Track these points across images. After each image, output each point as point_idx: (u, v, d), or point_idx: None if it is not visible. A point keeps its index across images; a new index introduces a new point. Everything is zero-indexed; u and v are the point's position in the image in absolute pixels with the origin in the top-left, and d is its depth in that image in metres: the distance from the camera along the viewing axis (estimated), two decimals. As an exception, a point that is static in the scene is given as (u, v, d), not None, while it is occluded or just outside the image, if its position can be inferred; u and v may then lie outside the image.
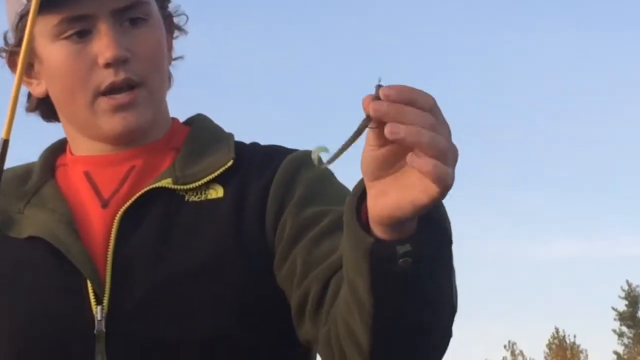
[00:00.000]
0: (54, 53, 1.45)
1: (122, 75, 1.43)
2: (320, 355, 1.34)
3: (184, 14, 1.57)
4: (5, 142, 1.32)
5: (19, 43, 1.47)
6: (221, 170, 1.45)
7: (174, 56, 1.57)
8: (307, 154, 1.48)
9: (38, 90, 1.51)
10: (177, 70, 1.58)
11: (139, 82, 1.45)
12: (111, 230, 1.42)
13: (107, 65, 1.43)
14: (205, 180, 1.44)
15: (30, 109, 1.55)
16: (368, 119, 1.04)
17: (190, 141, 1.52)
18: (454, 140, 1.05)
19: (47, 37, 1.45)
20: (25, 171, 1.55)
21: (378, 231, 1.10)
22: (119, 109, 1.44)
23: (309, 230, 1.36)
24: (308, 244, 1.34)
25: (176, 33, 1.57)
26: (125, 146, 1.49)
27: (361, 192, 1.12)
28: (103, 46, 1.43)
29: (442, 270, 1.16)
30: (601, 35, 71.97)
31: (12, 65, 1.51)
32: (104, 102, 1.44)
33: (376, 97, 1.03)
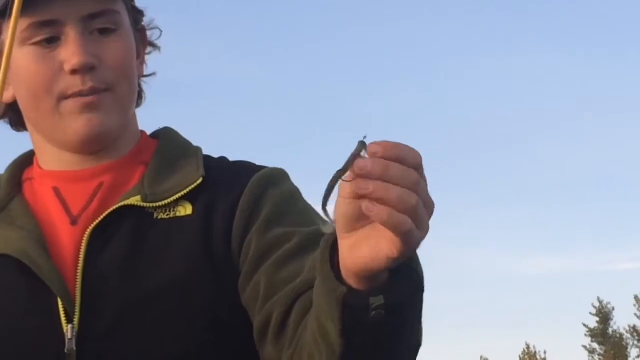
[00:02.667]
0: (21, 58, 1.44)
1: (89, 84, 1.42)
2: None
3: (158, 28, 1.56)
4: None
5: None
6: (189, 188, 1.44)
7: (146, 72, 1.56)
8: (275, 171, 1.48)
9: (6, 95, 1.48)
10: (148, 86, 1.57)
11: (105, 88, 1.43)
12: (81, 248, 1.40)
13: (74, 71, 1.42)
14: (174, 198, 1.43)
15: None
16: (342, 172, 1.03)
17: (158, 156, 1.50)
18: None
19: (15, 41, 1.41)
20: None
21: (351, 281, 1.10)
22: (84, 109, 1.43)
23: (273, 252, 1.35)
24: (272, 267, 1.34)
25: (149, 49, 1.56)
26: (92, 157, 1.48)
27: (334, 240, 1.11)
28: (70, 53, 1.42)
29: (413, 318, 1.16)
30: (582, 56, 72.48)
31: None
32: (70, 104, 1.43)
33: (357, 153, 1.01)
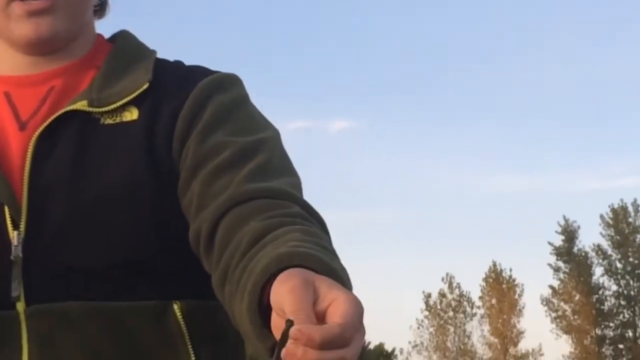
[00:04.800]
0: None
1: None
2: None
3: None
4: None
5: None
6: (136, 93, 1.42)
7: None
8: (226, 76, 1.47)
9: None
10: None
11: None
12: (27, 155, 1.38)
13: None
14: (120, 103, 1.42)
15: None
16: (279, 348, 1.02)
17: (110, 60, 1.49)
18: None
19: None
20: None
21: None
22: (32, 14, 1.42)
23: (208, 162, 1.35)
24: (206, 177, 1.34)
25: None
26: (45, 60, 1.47)
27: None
28: None
29: None
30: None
31: None
32: (18, 7, 1.42)
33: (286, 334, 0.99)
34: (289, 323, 0.99)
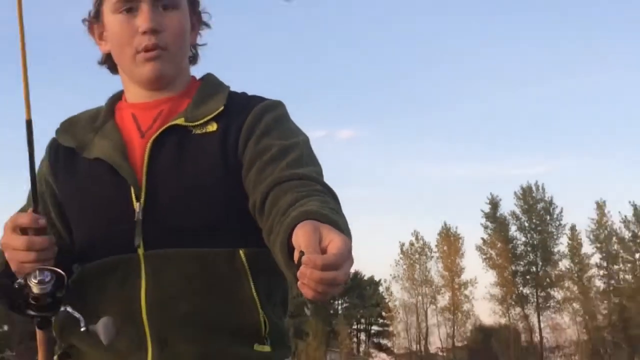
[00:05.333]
0: (112, 22, 1.48)
1: (153, 41, 1.46)
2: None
3: (208, 13, 1.57)
4: (29, 123, 1.27)
5: (95, 15, 1.51)
6: (215, 113, 1.46)
7: (200, 42, 1.57)
8: (273, 102, 1.50)
9: (104, 48, 1.52)
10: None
11: (163, 47, 1.47)
12: (145, 153, 1.43)
13: (144, 32, 1.45)
14: (205, 119, 1.46)
15: (101, 63, 1.56)
16: (295, 269, 1.08)
17: (199, 93, 1.52)
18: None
19: (109, 11, 1.48)
20: (95, 112, 1.56)
21: None
22: (149, 59, 1.46)
23: (260, 157, 1.38)
24: (259, 167, 1.37)
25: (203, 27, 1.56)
26: (157, 93, 1.51)
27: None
28: (143, 20, 1.45)
29: None
30: None
31: (91, 32, 1.53)
32: (141, 56, 1.46)
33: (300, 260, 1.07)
34: (301, 253, 1.07)
